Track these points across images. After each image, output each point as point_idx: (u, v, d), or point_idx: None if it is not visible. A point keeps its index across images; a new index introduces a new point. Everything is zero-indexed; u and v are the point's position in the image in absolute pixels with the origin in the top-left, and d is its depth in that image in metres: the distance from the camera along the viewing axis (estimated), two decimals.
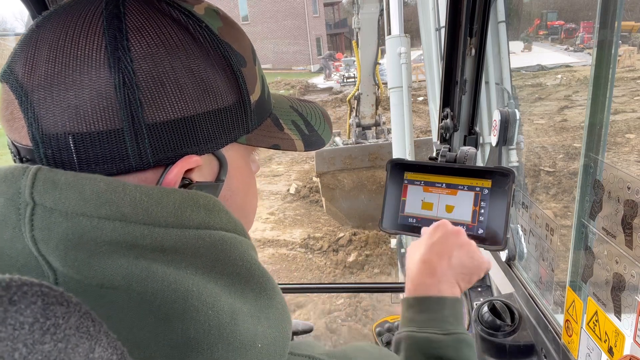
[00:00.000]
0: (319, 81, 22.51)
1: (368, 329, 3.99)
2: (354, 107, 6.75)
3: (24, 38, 0.42)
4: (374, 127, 6.79)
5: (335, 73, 22.71)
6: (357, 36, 6.01)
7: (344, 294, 4.42)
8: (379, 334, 1.15)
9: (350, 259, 5.63)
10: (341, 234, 6.12)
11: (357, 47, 6.11)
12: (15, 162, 0.43)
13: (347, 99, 6.85)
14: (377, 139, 6.69)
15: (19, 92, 0.40)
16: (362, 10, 5.73)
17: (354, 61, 6.73)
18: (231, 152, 0.49)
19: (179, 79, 0.42)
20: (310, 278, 5.40)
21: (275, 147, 0.52)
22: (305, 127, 0.57)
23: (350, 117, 6.95)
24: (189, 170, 0.45)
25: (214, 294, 0.39)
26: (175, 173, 0.43)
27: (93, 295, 0.36)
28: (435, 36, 2.52)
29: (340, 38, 34.17)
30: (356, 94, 6.52)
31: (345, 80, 20.29)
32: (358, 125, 6.70)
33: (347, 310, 4.34)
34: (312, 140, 0.57)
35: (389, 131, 6.52)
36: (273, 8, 27.74)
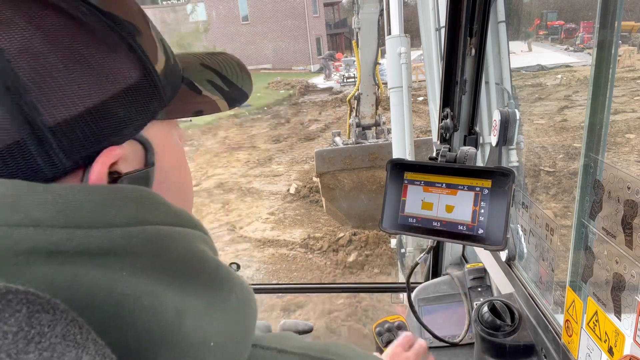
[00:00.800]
0: (319, 81, 22.50)
1: (368, 329, 3.99)
2: (354, 107, 6.75)
3: None
4: (374, 127, 6.78)
5: (335, 73, 22.70)
6: (357, 36, 6.00)
7: (344, 294, 4.43)
8: (379, 334, 1.15)
9: (350, 259, 5.64)
10: (341, 234, 6.12)
11: (357, 47, 6.11)
12: None
13: (347, 99, 6.85)
14: (377, 139, 6.69)
15: None
16: (362, 10, 5.73)
17: (354, 61, 6.74)
18: (152, 132, 0.45)
19: (68, 68, 0.37)
20: (310, 278, 5.41)
21: (198, 113, 0.48)
22: (223, 83, 0.52)
23: (350, 117, 6.95)
24: (114, 163, 0.41)
25: (155, 294, 0.36)
26: (98, 171, 0.40)
27: None
28: (435, 36, 2.52)
29: (340, 38, 34.18)
30: (356, 94, 6.52)
31: (345, 80, 20.30)
32: (358, 125, 6.69)
33: (347, 310, 4.34)
34: (234, 96, 0.52)
35: (389, 131, 6.52)
36: (273, 8, 27.74)
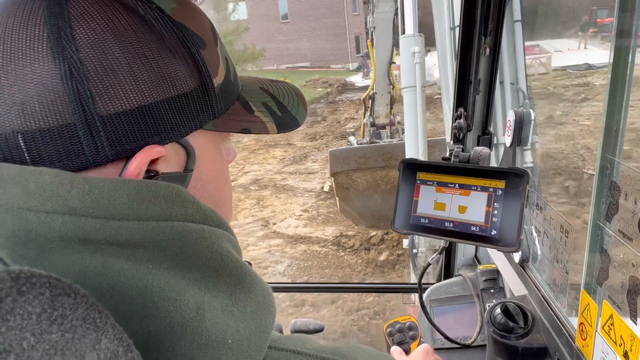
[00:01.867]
0: (357, 79, 22.16)
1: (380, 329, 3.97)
2: (368, 107, 6.74)
3: None
4: (389, 127, 6.77)
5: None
6: (371, 35, 6.01)
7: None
8: (390, 334, 1.15)
9: (382, 257, 5.62)
10: (373, 233, 6.10)
11: (372, 46, 6.10)
12: None
13: (362, 99, 6.85)
14: (391, 138, 6.66)
15: None
16: (377, 10, 5.73)
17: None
18: (199, 140, 0.46)
19: (131, 66, 0.40)
20: (341, 276, 5.40)
21: (246, 131, 0.50)
22: (277, 108, 0.54)
23: (364, 117, 6.94)
24: (154, 162, 0.43)
25: (177, 289, 0.37)
26: (136, 165, 0.41)
27: None
28: (449, 35, 2.51)
29: None
30: (371, 93, 6.51)
31: None
32: (372, 124, 6.68)
33: (376, 308, 4.33)
34: (285, 122, 0.54)
35: (403, 131, 6.49)
36: (313, 6, 27.68)
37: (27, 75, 0.37)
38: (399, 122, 6.67)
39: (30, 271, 0.27)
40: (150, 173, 0.43)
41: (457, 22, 2.43)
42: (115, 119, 0.39)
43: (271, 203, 7.77)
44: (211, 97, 0.46)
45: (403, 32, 3.73)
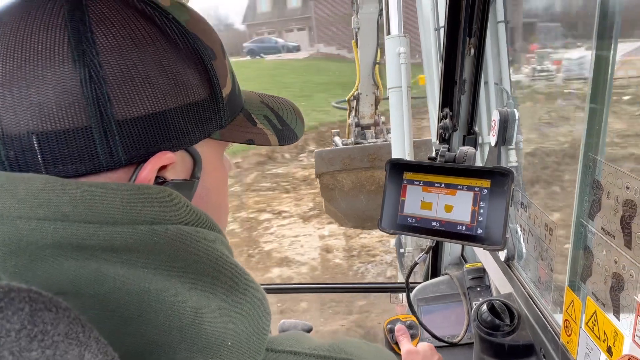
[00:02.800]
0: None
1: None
2: (353, 107, 6.74)
3: None
4: (373, 127, 6.77)
5: (525, 66, 21.34)
6: (356, 36, 6.01)
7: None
8: (390, 331, 1.15)
9: None
10: None
11: (356, 47, 6.11)
12: None
13: (347, 99, 6.83)
14: (376, 139, 6.67)
15: None
16: (361, 10, 5.73)
17: (549, 53, 6.43)
18: (205, 149, 0.47)
19: (148, 73, 0.41)
20: None
21: (250, 142, 0.51)
22: (277, 121, 0.55)
23: (349, 117, 6.94)
24: (162, 168, 0.43)
25: (175, 292, 0.37)
26: (148, 170, 0.42)
27: None
28: (434, 36, 2.53)
29: (533, 27, 33.28)
30: (355, 93, 6.52)
31: (538, 74, 19.09)
32: (357, 125, 6.69)
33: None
34: (285, 135, 0.56)
35: (388, 131, 6.51)
36: None
37: (46, 77, 0.38)
38: (383, 123, 6.68)
39: (8, 285, 0.26)
40: (159, 179, 0.43)
41: (442, 23, 2.46)
42: (130, 124, 0.40)
43: None
44: (219, 107, 0.47)
45: (388, 33, 3.74)
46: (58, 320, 0.27)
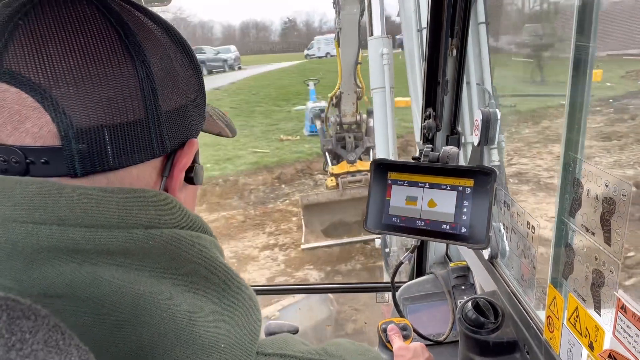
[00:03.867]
0: None
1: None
2: (333, 104, 6.73)
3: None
4: (353, 131, 6.72)
5: None
6: (338, 36, 6.04)
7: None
8: (384, 331, 1.17)
9: None
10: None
11: (338, 46, 6.14)
12: (5, 171, 0.39)
13: (329, 96, 6.82)
14: (355, 147, 6.60)
15: (31, 89, 0.38)
16: (342, 11, 5.75)
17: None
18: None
19: (175, 71, 0.46)
20: None
21: (218, 134, 0.59)
22: (223, 120, 0.62)
23: (327, 111, 6.93)
24: None
25: (169, 295, 0.38)
26: (189, 156, 0.47)
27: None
28: (417, 37, 2.55)
29: None
30: (337, 92, 6.54)
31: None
32: (339, 124, 6.68)
33: None
34: (231, 129, 0.63)
35: (367, 132, 6.51)
36: None
37: (109, 75, 0.40)
38: (364, 122, 6.68)
39: None
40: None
41: (424, 24, 2.48)
42: (171, 115, 0.45)
43: (525, 199, 7.08)
44: (204, 104, 0.53)
45: (371, 34, 3.76)
46: (37, 328, 0.27)
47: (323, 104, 7.79)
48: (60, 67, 0.39)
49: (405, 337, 1.16)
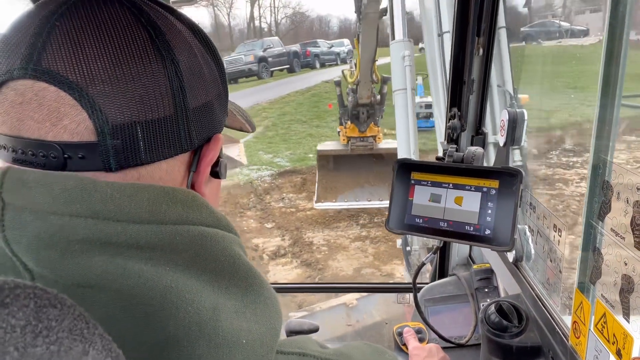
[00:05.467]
0: None
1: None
2: (353, 89, 7.29)
3: (34, 35, 0.41)
4: (366, 110, 7.31)
5: None
6: (358, 35, 6.24)
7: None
8: (399, 334, 1.17)
9: None
10: None
11: (358, 43, 6.42)
12: (44, 165, 0.41)
13: (349, 81, 7.47)
14: (367, 117, 7.28)
15: (69, 88, 0.40)
16: (363, 11, 5.88)
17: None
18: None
19: (201, 68, 0.47)
20: None
21: (240, 130, 0.61)
22: (243, 115, 0.64)
23: (338, 89, 7.52)
24: None
25: (194, 290, 0.39)
26: (215, 151, 0.48)
27: (70, 294, 0.35)
28: (437, 41, 2.58)
29: None
30: (356, 81, 7.06)
31: None
32: (356, 104, 7.24)
33: None
34: (252, 125, 0.64)
35: (379, 101, 7.20)
36: None
37: (141, 74, 0.42)
38: (378, 104, 7.29)
39: (14, 282, 0.27)
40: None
41: (445, 28, 2.50)
42: (198, 111, 0.46)
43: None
44: (227, 101, 0.54)
45: (393, 38, 3.86)
46: (63, 316, 0.27)
47: (429, 99, 8.19)
48: (96, 66, 0.40)
49: (420, 340, 1.15)
